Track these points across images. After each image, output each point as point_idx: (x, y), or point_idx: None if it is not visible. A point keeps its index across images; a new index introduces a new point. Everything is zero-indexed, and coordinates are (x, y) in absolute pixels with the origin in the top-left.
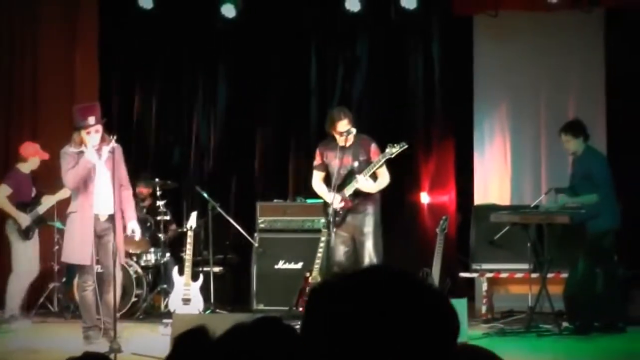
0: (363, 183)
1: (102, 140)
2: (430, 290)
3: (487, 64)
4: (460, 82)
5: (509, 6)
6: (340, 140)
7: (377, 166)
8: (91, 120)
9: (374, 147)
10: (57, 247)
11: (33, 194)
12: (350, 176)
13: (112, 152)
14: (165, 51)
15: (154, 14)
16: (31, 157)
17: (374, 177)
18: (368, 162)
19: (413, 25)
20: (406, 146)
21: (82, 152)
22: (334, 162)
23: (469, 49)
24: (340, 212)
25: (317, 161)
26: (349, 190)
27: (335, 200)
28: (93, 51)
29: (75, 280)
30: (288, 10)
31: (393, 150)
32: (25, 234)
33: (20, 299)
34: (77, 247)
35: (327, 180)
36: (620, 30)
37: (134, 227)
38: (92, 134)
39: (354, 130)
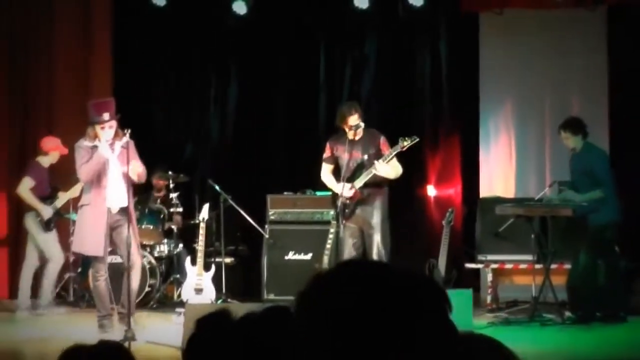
0: (381, 168)
1: (116, 135)
2: (407, 276)
3: (493, 61)
4: (466, 79)
5: (515, 4)
6: (350, 134)
7: (390, 158)
8: (106, 116)
9: (383, 140)
10: (71, 239)
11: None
12: (359, 169)
13: (125, 147)
14: (178, 48)
15: (166, 12)
16: (52, 152)
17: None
18: (377, 155)
19: (420, 22)
20: (417, 140)
21: (95, 147)
22: (344, 155)
23: (475, 47)
24: (349, 203)
25: (326, 154)
26: (360, 182)
27: (345, 189)
28: (107, 48)
29: (90, 271)
30: (297, 8)
31: (405, 143)
32: (47, 225)
33: (54, 287)
34: (89, 238)
35: (336, 174)
36: (622, 27)
37: (133, 166)
38: (106, 129)
39: (362, 125)
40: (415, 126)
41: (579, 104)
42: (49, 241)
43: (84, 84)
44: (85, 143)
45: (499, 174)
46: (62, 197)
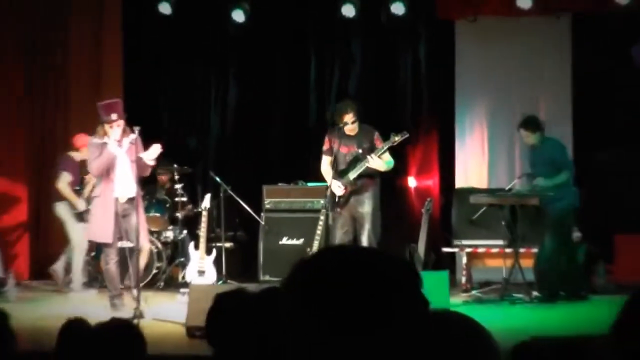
0: (373, 162)
1: (124, 132)
2: (382, 257)
3: (467, 64)
4: (443, 80)
5: (487, 12)
6: (347, 129)
7: (382, 151)
8: (113, 116)
9: (377, 135)
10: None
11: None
12: (354, 162)
13: (134, 142)
14: (182, 51)
15: (172, 19)
16: (83, 148)
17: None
18: (371, 149)
19: (402, 29)
20: (407, 135)
21: (105, 143)
22: (341, 149)
23: (451, 51)
24: (343, 195)
25: (325, 146)
26: (354, 174)
27: (336, 187)
28: (118, 50)
29: (101, 255)
30: (291, 16)
31: (396, 138)
32: (80, 217)
33: (82, 270)
34: (100, 227)
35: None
36: (585, 33)
37: (151, 151)
38: (115, 128)
39: (357, 121)
40: (396, 123)
41: (545, 103)
42: (78, 230)
43: (96, 84)
44: (95, 140)
45: (473, 166)
46: (87, 188)
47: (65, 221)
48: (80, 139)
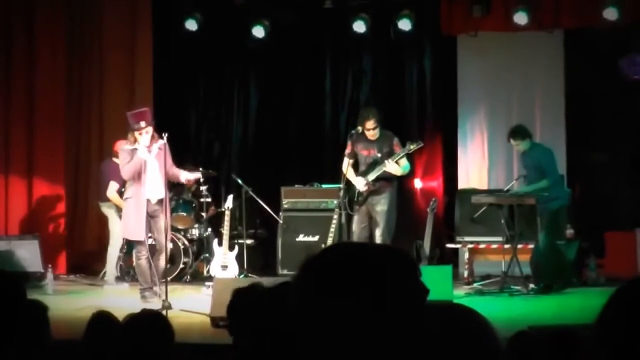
0: (390, 166)
1: (152, 138)
2: (382, 250)
3: (469, 75)
4: (447, 90)
5: (487, 28)
6: (368, 134)
7: (399, 157)
8: (142, 124)
9: (396, 141)
10: None
11: None
12: (374, 164)
13: (162, 148)
14: (207, 63)
15: (198, 34)
16: None
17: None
18: (390, 154)
19: (408, 43)
20: (422, 144)
21: (135, 149)
22: (362, 152)
23: (454, 63)
24: (363, 193)
25: (348, 149)
26: (373, 175)
27: (360, 183)
28: (148, 65)
29: (133, 251)
30: (307, 31)
31: (412, 147)
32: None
33: (116, 265)
34: (132, 226)
35: (354, 167)
36: (576, 47)
37: (187, 175)
38: (144, 135)
39: (378, 127)
40: (404, 129)
41: (540, 111)
42: (119, 228)
43: (129, 94)
44: (126, 146)
45: (474, 169)
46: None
47: (110, 218)
48: (121, 145)
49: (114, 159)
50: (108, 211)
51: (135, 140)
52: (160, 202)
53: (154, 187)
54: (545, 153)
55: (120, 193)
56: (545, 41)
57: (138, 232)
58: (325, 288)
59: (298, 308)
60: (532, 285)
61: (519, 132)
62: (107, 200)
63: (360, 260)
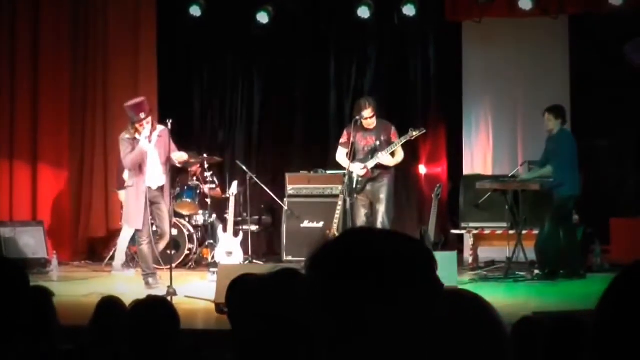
0: (383, 158)
1: (152, 126)
2: (404, 239)
3: (473, 61)
4: (451, 76)
5: (492, 14)
6: (365, 123)
7: (398, 145)
8: (142, 115)
9: (393, 130)
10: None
11: None
12: (371, 153)
13: (161, 135)
14: (212, 49)
15: (202, 20)
16: None
17: (392, 153)
18: (388, 143)
19: (413, 30)
20: (424, 131)
21: (136, 139)
22: (361, 141)
23: (458, 49)
24: (361, 180)
25: (343, 139)
26: (372, 163)
27: (358, 168)
28: (153, 50)
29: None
30: (311, 17)
31: (414, 134)
32: None
33: (125, 252)
34: (132, 214)
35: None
36: (581, 32)
37: (179, 155)
38: (144, 125)
39: (375, 116)
40: (409, 115)
41: (545, 96)
42: None
43: (134, 79)
44: (127, 136)
45: (479, 155)
46: None
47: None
48: (122, 136)
49: None
50: (124, 198)
51: (137, 131)
52: (160, 188)
53: (154, 175)
54: (567, 141)
55: None
56: (550, 27)
57: (137, 221)
58: (349, 274)
59: (315, 297)
60: (536, 271)
61: (553, 109)
62: (124, 187)
63: (384, 247)
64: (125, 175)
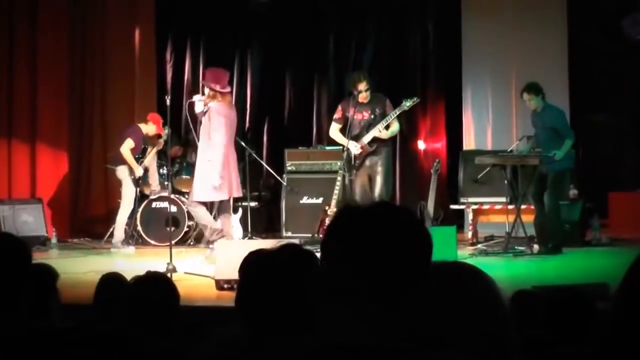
0: (380, 133)
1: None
2: (410, 217)
3: (472, 36)
4: (451, 51)
5: None
6: (360, 97)
7: (394, 117)
8: (217, 87)
9: (388, 103)
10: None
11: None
12: (367, 127)
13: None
14: (209, 25)
15: None
16: (151, 123)
17: (387, 126)
18: (383, 115)
19: (412, 4)
20: (418, 100)
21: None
22: (356, 115)
23: (457, 24)
24: (359, 156)
25: (337, 115)
26: (368, 137)
27: (352, 146)
28: (151, 27)
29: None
30: None
31: (407, 104)
32: (136, 182)
33: (124, 228)
34: (225, 183)
35: (343, 132)
36: (579, 6)
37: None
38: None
39: (369, 89)
40: (408, 91)
41: (544, 70)
42: (131, 193)
43: (132, 57)
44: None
45: (478, 130)
46: (146, 159)
47: (123, 182)
48: (154, 116)
49: (140, 124)
50: (122, 175)
51: (214, 97)
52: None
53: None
54: (559, 115)
55: (137, 159)
56: (549, 1)
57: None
58: (369, 245)
59: (332, 267)
60: (535, 246)
61: (532, 87)
62: (124, 162)
63: (404, 223)
64: (126, 147)
